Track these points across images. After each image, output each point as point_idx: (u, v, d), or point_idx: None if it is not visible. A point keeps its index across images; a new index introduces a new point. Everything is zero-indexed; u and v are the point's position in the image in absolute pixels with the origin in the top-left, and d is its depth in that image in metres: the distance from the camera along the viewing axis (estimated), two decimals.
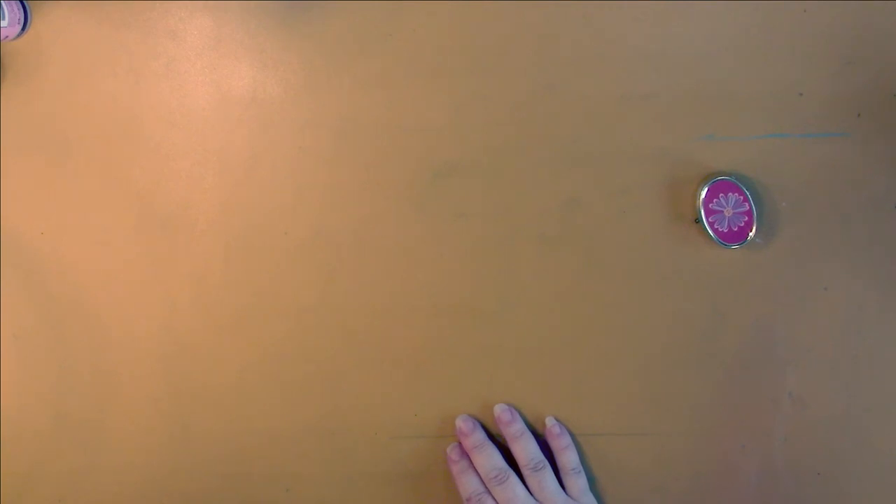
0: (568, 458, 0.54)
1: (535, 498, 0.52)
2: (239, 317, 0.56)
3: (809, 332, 0.55)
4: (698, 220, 0.53)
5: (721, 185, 0.52)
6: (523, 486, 0.52)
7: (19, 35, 0.52)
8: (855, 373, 0.55)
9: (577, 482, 0.54)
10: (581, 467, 0.54)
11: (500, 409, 0.55)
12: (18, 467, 0.57)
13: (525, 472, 0.53)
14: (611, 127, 0.53)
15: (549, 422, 0.55)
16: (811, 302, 0.54)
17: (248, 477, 0.57)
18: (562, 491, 0.53)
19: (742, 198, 0.52)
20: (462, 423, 0.55)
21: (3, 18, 0.50)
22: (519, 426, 0.54)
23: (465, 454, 0.55)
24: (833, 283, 0.54)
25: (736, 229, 0.53)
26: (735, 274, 0.54)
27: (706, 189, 0.52)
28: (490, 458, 0.53)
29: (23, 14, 0.52)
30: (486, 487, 0.53)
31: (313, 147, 0.54)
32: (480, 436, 0.54)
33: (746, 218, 0.52)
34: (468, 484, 0.53)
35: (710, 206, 0.52)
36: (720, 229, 0.53)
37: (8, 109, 0.54)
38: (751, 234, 0.53)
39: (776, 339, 0.55)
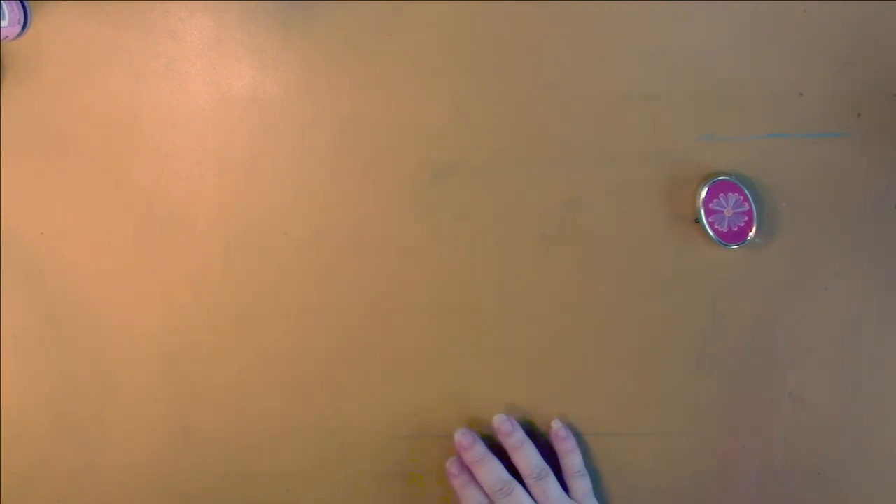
0: (573, 461, 0.54)
1: None
2: (239, 317, 0.56)
3: (809, 332, 0.55)
4: (698, 220, 0.53)
5: (721, 185, 0.52)
6: (529, 497, 0.52)
7: (19, 35, 0.52)
8: (855, 373, 0.55)
9: (582, 485, 0.53)
10: (585, 470, 0.54)
11: (499, 420, 0.54)
12: (18, 467, 0.57)
13: (528, 481, 0.53)
14: (611, 127, 0.53)
15: (556, 425, 0.55)
16: (811, 302, 0.54)
17: (248, 477, 0.57)
18: (566, 496, 0.53)
19: (742, 198, 0.52)
20: (461, 438, 0.54)
21: (3, 18, 0.50)
22: (519, 435, 0.54)
23: (465, 467, 0.54)
24: (833, 283, 0.54)
25: (736, 229, 0.53)
26: (735, 274, 0.54)
27: (706, 189, 0.52)
28: (493, 471, 0.53)
29: (23, 14, 0.52)
30: (491, 501, 0.52)
31: (313, 147, 0.54)
32: (481, 449, 0.54)
33: (746, 218, 0.52)
34: (471, 498, 0.52)
35: (710, 206, 0.52)
36: (720, 229, 0.53)
37: (8, 109, 0.54)
38: (751, 234, 0.53)
39: (776, 339, 0.55)
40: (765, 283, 0.54)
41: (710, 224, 0.52)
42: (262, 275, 0.55)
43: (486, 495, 0.53)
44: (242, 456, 0.57)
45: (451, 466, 0.54)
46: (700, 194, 0.52)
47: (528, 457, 0.53)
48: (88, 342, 0.56)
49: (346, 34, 0.53)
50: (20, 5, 0.52)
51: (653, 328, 0.55)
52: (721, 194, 0.52)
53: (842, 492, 0.56)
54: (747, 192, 0.52)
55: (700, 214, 0.52)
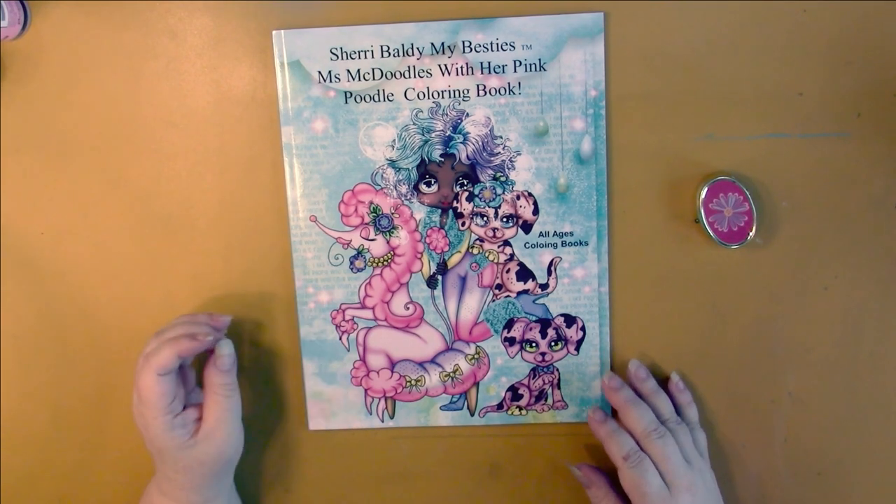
0: (693, 412, 0.54)
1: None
2: (238, 316, 0.56)
3: (809, 332, 0.55)
4: (698, 220, 0.53)
5: (721, 185, 0.52)
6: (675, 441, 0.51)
7: (19, 35, 0.52)
8: (855, 373, 0.55)
9: (702, 438, 0.53)
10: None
11: (635, 366, 0.54)
12: (18, 467, 0.57)
13: (668, 426, 0.52)
14: (611, 127, 0.53)
15: (674, 377, 0.54)
16: (811, 302, 0.54)
17: (249, 476, 0.57)
18: (693, 445, 0.52)
19: (742, 198, 0.52)
20: (609, 380, 0.54)
21: (3, 18, 0.50)
22: (654, 382, 0.54)
23: (607, 416, 0.54)
24: (833, 283, 0.54)
25: (736, 229, 0.53)
26: (735, 274, 0.54)
27: (706, 189, 0.52)
28: (648, 412, 0.52)
29: (23, 14, 0.52)
30: (639, 446, 0.51)
31: None
32: (630, 391, 0.54)
33: (746, 218, 0.52)
34: (624, 443, 0.51)
35: (710, 206, 0.52)
36: (720, 229, 0.53)
37: (8, 109, 0.54)
38: (751, 234, 0.53)
39: (776, 339, 0.55)
40: (765, 283, 0.54)
41: (710, 224, 0.52)
42: (262, 274, 0.55)
43: (635, 440, 0.51)
44: (242, 456, 0.57)
45: (596, 413, 0.53)
46: (700, 194, 0.52)
47: (664, 403, 0.53)
48: (88, 342, 0.56)
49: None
50: (20, 5, 0.52)
51: (652, 328, 0.55)
52: (721, 194, 0.52)
53: (842, 492, 0.56)
54: (747, 192, 0.52)
55: (700, 214, 0.52)
